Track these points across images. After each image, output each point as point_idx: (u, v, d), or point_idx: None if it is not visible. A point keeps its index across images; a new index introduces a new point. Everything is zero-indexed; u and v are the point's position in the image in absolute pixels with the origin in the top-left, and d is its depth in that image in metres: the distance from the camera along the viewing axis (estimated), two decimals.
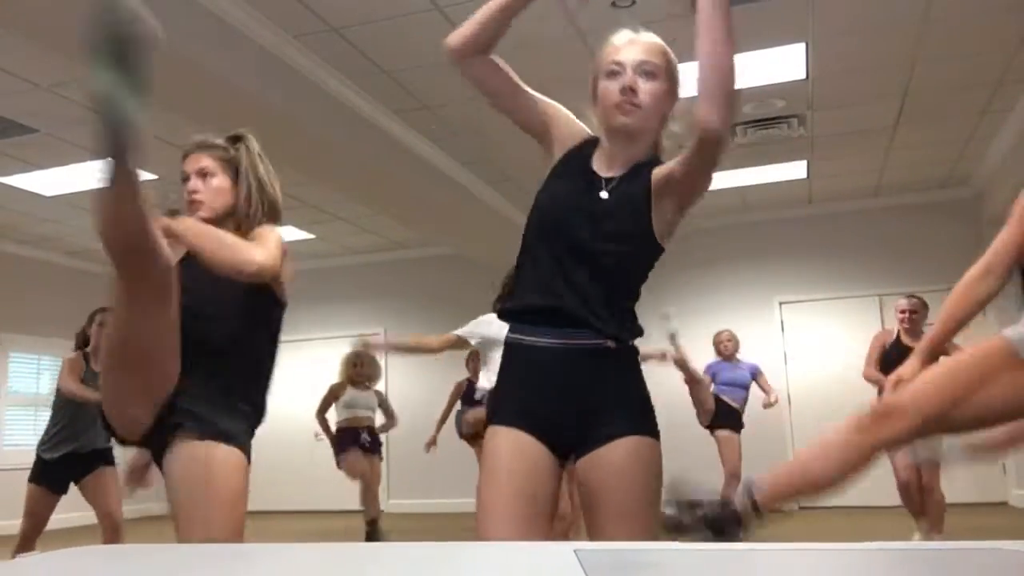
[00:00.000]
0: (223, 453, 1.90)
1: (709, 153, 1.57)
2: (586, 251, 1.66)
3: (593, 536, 1.64)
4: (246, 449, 1.98)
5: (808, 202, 8.30)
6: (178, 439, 1.91)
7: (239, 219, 2.14)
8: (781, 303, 8.42)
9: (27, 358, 8.49)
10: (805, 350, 8.15)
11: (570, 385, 1.64)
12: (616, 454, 1.61)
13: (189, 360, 1.94)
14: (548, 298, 1.66)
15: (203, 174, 2.15)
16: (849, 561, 0.98)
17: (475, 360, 5.93)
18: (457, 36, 1.74)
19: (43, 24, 3.74)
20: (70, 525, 7.57)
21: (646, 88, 1.69)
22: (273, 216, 2.17)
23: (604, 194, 1.68)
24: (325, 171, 5.94)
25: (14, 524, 7.27)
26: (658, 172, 1.66)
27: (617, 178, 1.70)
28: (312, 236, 8.76)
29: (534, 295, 1.69)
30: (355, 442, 6.06)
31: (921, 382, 2.02)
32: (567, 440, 1.64)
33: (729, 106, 1.53)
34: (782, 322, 8.38)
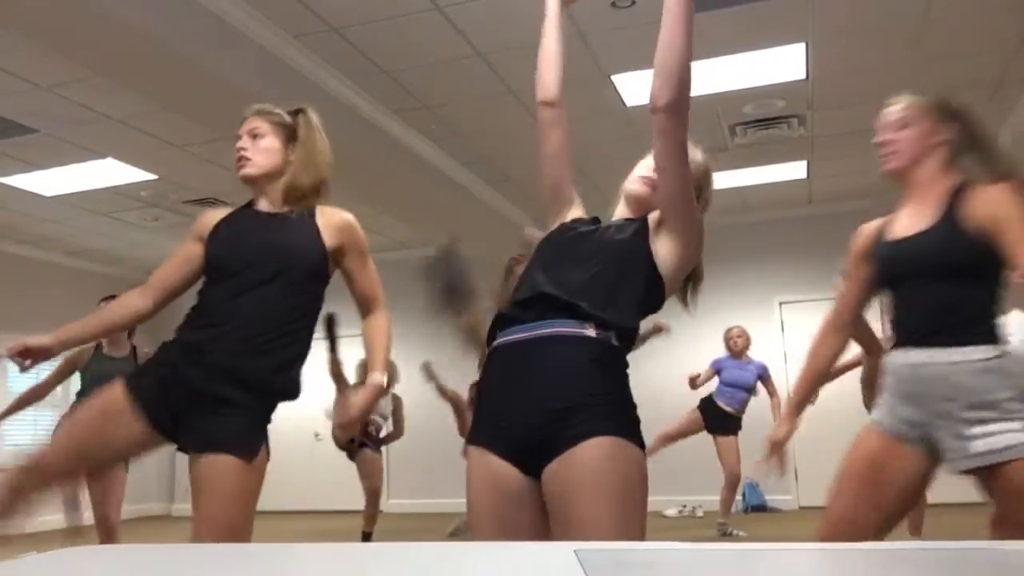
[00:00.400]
0: (223, 463, 1.99)
1: (662, 129, 1.59)
2: (581, 255, 1.68)
3: None
4: (248, 451, 2.01)
5: (808, 202, 8.30)
6: (191, 453, 2.04)
7: (290, 186, 2.22)
8: (781, 303, 8.41)
9: None
10: (805, 350, 8.14)
11: (540, 382, 1.53)
12: (587, 455, 1.47)
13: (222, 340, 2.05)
14: (534, 289, 1.64)
15: (254, 135, 2.22)
16: (849, 561, 0.98)
17: None
18: (543, 84, 1.85)
19: (43, 24, 3.74)
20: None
21: None
22: (320, 192, 2.29)
23: (590, 227, 1.79)
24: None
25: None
26: (654, 212, 1.75)
27: (620, 220, 1.80)
28: None
29: (520, 292, 1.67)
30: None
31: (835, 503, 2.10)
32: (538, 451, 1.52)
33: (679, 85, 1.56)
34: (782, 322, 8.37)
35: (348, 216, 2.25)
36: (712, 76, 5.26)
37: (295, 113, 2.30)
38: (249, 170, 2.19)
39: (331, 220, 2.21)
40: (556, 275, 1.65)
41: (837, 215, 8.26)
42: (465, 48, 4.88)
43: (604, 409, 1.52)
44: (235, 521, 1.95)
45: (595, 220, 1.83)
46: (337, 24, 4.60)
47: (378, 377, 2.18)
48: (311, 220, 2.19)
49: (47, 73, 4.84)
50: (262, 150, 2.20)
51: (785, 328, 8.35)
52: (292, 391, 2.14)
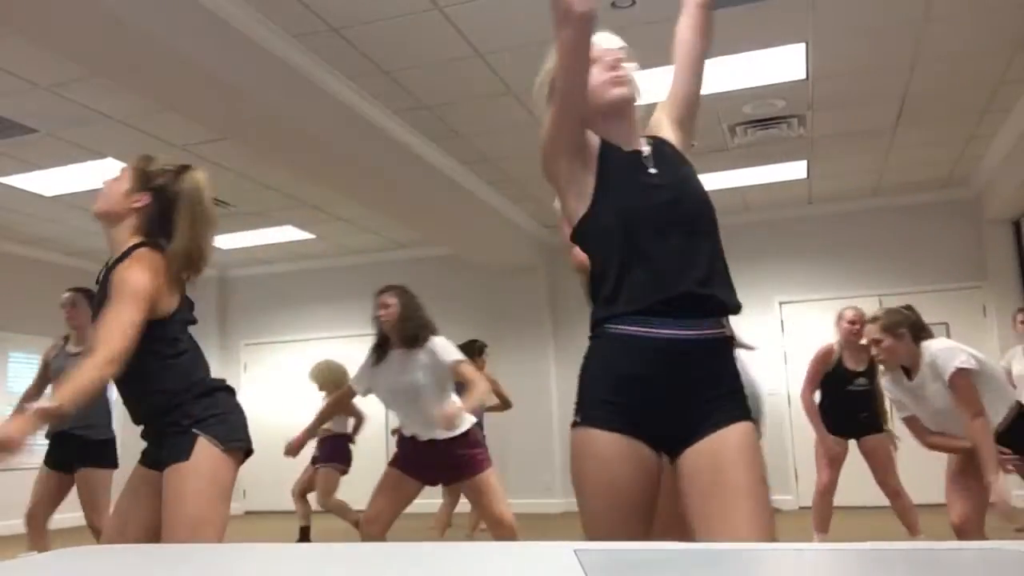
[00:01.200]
0: (167, 474, 2.15)
1: (711, 25, 1.85)
2: (689, 221, 1.72)
3: (714, 524, 1.54)
4: (179, 456, 2.13)
5: (808, 202, 8.30)
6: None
7: (139, 229, 2.25)
8: (781, 303, 8.41)
9: (27, 358, 8.47)
10: (805, 350, 8.10)
11: (696, 386, 1.63)
12: (735, 435, 1.61)
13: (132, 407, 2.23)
14: (677, 284, 1.67)
15: (116, 178, 2.29)
16: (849, 561, 0.98)
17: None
18: None
19: (43, 24, 3.74)
20: (70, 525, 7.56)
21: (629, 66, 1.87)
22: (189, 263, 2.22)
23: (653, 170, 1.75)
24: (325, 171, 5.94)
25: (14, 524, 7.27)
26: (662, 127, 1.86)
27: (650, 147, 1.80)
28: (312, 236, 8.76)
29: (658, 285, 1.66)
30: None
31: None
32: (680, 439, 1.62)
33: None
34: (782, 322, 8.37)
35: (123, 264, 2.15)
36: (712, 76, 5.23)
37: (180, 170, 2.28)
38: (93, 207, 2.28)
39: (116, 269, 2.16)
40: (681, 262, 1.69)
41: (837, 215, 8.27)
42: (465, 48, 4.88)
43: (739, 398, 1.69)
44: (181, 519, 2.08)
45: (638, 153, 1.77)
46: (337, 24, 4.60)
47: (48, 408, 1.96)
48: (112, 269, 2.19)
49: (47, 73, 4.84)
50: (110, 190, 2.26)
51: (785, 328, 8.35)
52: (200, 396, 2.20)
